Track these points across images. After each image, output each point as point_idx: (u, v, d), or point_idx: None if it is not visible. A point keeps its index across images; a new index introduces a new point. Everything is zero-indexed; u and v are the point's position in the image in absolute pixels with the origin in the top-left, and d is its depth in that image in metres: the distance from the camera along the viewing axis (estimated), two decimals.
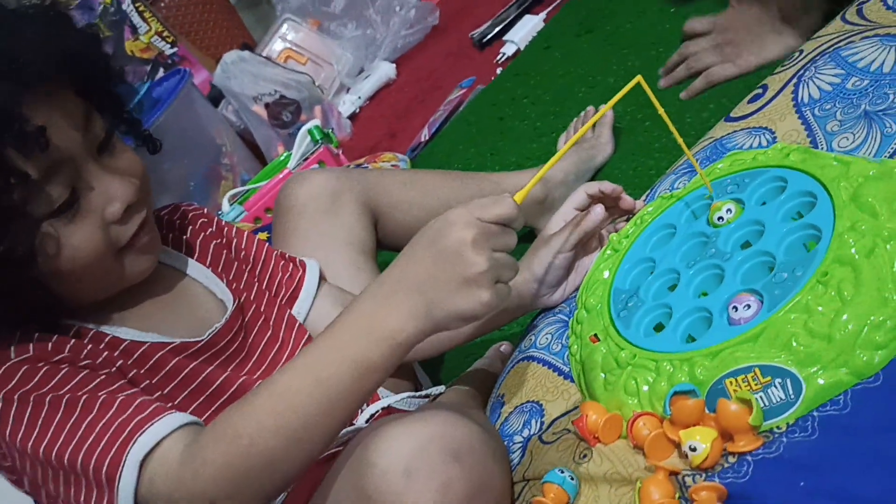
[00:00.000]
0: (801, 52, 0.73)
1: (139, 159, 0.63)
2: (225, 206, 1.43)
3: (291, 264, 0.78)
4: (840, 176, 0.57)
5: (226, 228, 0.76)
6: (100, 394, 0.55)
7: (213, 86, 1.75)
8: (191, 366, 0.64)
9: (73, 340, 0.59)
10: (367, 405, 0.73)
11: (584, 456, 0.57)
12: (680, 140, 0.61)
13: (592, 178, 1.01)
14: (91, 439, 0.53)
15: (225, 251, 0.74)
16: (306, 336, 0.74)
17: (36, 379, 0.56)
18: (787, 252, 0.57)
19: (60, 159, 0.56)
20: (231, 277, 0.73)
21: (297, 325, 0.74)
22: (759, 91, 0.74)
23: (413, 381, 0.82)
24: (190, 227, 0.74)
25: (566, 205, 0.73)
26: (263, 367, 0.70)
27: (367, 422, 0.72)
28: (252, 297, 0.73)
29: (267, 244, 0.78)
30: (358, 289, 0.81)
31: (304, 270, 0.78)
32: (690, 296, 0.60)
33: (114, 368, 0.59)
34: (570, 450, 0.59)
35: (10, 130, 0.53)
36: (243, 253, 0.76)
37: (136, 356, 0.62)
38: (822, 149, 0.63)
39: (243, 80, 1.66)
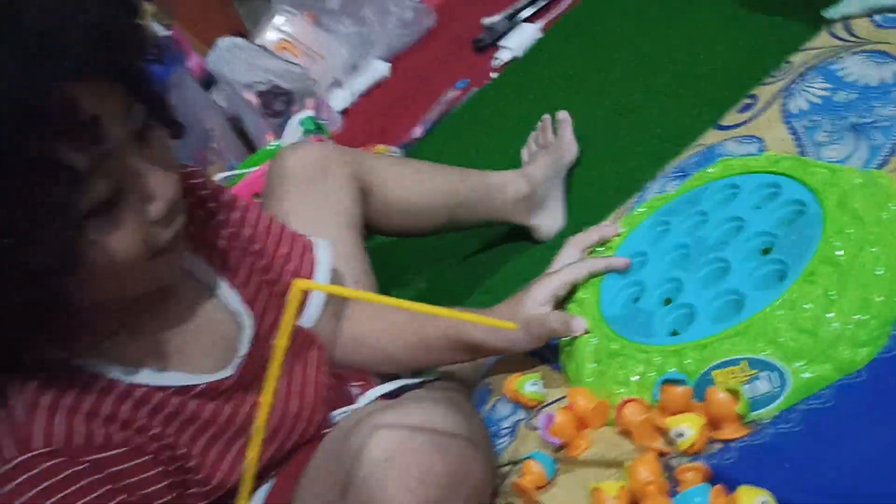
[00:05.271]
0: (790, 63, 0.75)
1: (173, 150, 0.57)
2: None
3: (301, 268, 0.73)
4: (828, 183, 0.59)
5: (237, 216, 0.70)
6: None
7: (206, 71, 1.75)
8: (213, 406, 0.60)
9: (83, 424, 0.54)
10: (364, 392, 0.73)
11: None
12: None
13: (571, 179, 1.05)
14: None
15: (238, 249, 0.69)
16: (315, 346, 0.71)
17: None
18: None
19: (107, 151, 0.50)
20: (245, 284, 0.67)
21: (305, 334, 0.71)
22: (749, 101, 0.77)
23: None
24: (201, 215, 0.67)
25: (550, 284, 0.67)
26: (283, 387, 0.66)
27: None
28: (266, 306, 0.68)
29: (270, 233, 0.72)
30: (341, 260, 0.79)
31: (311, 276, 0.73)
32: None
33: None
34: None
35: (62, 121, 0.47)
36: (256, 246, 0.70)
37: (152, 404, 0.57)
38: (811, 158, 0.66)
39: (237, 67, 1.65)
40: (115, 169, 0.51)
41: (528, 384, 0.65)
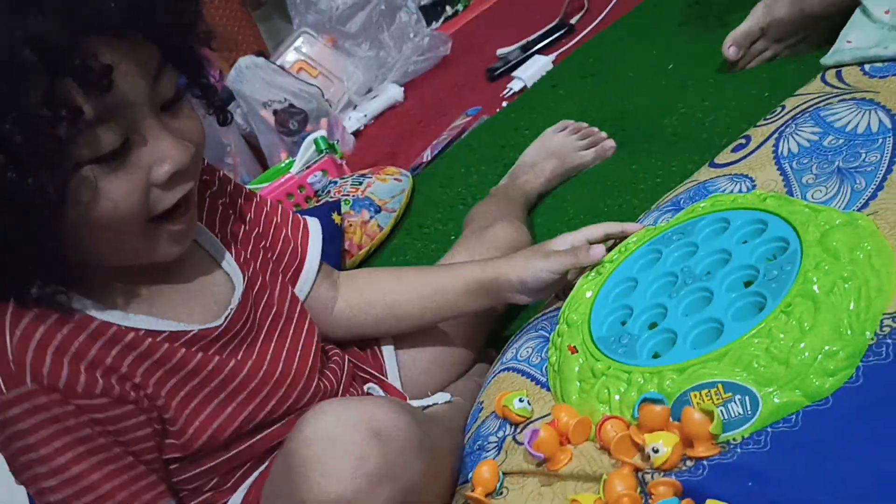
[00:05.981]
0: (783, 107, 0.79)
1: (202, 128, 0.60)
2: None
3: (292, 240, 0.77)
4: (809, 221, 0.62)
5: (229, 187, 0.74)
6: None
7: (225, 88, 1.80)
8: (200, 356, 0.63)
9: (70, 365, 0.56)
10: None
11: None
12: None
13: (566, 208, 1.09)
14: None
15: (231, 212, 0.73)
16: (308, 318, 0.74)
17: (29, 440, 0.54)
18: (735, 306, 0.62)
19: (119, 105, 0.52)
20: (238, 246, 0.71)
21: (299, 303, 0.74)
22: (743, 141, 0.80)
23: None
24: (208, 196, 0.71)
25: (581, 232, 0.76)
26: (272, 348, 0.69)
27: None
28: (258, 268, 0.71)
29: (266, 208, 0.77)
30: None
31: (305, 250, 0.77)
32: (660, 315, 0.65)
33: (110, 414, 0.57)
34: None
35: (73, 62, 0.49)
36: (249, 216, 0.74)
37: (141, 350, 0.60)
38: (797, 198, 0.69)
39: (255, 85, 1.71)
40: (125, 123, 0.53)
41: (516, 400, 0.68)
